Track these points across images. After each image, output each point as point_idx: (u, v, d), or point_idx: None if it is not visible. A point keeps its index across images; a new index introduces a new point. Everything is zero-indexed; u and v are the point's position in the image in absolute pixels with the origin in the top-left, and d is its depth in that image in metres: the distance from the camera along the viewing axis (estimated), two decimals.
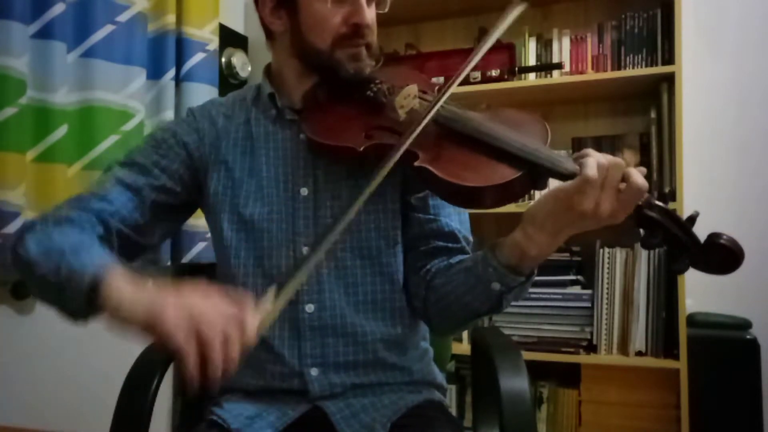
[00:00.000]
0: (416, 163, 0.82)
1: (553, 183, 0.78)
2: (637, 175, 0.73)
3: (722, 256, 0.73)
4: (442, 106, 0.88)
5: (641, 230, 0.77)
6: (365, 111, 0.93)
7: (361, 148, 0.86)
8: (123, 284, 0.70)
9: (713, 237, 0.73)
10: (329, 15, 0.91)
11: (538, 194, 2.08)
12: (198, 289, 0.65)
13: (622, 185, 0.73)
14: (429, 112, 0.83)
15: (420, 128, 0.82)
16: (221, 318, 0.62)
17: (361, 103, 0.94)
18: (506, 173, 0.78)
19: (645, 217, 0.75)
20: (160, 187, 0.95)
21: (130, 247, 0.94)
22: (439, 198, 0.93)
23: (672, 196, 1.82)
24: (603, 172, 0.72)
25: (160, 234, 0.99)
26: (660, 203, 0.75)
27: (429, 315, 0.95)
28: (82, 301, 0.71)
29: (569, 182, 0.74)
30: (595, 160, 0.73)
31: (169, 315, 0.62)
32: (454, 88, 0.86)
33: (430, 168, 0.81)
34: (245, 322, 0.63)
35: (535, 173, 0.79)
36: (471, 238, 0.99)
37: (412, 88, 0.90)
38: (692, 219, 0.74)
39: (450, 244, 0.95)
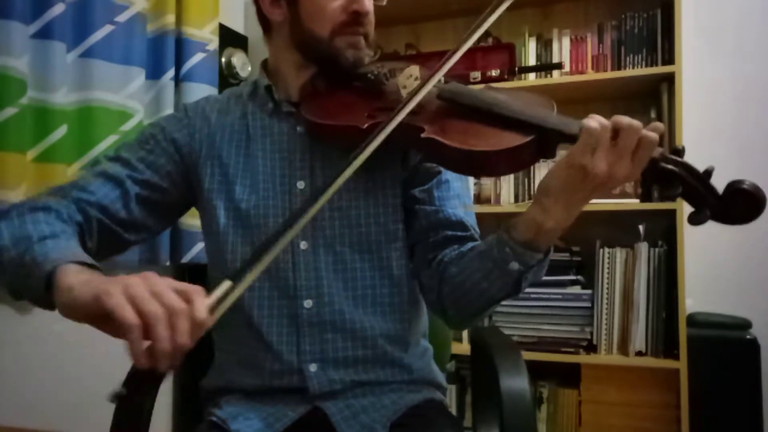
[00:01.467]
0: (423, 135, 0.81)
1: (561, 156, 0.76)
2: (647, 132, 0.71)
3: (744, 202, 0.71)
4: (444, 81, 0.88)
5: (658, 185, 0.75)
6: (366, 94, 0.93)
7: (365, 126, 0.85)
8: (76, 273, 0.70)
9: (734, 183, 0.71)
10: (329, 2, 0.91)
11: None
12: (146, 275, 0.64)
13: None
14: (429, 78, 0.82)
15: (424, 92, 0.80)
16: (168, 295, 0.61)
17: (362, 87, 0.94)
18: (516, 139, 0.77)
19: (661, 171, 0.73)
20: (144, 181, 0.94)
21: (113, 239, 0.93)
22: (449, 169, 0.92)
23: None
24: (608, 131, 0.71)
25: (146, 229, 0.97)
26: (674, 156, 0.73)
27: (445, 306, 0.93)
28: (41, 289, 0.71)
29: (576, 144, 0.73)
30: (594, 118, 0.72)
31: (114, 292, 0.61)
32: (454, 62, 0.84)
33: (438, 138, 0.80)
34: (193, 298, 0.62)
35: (544, 138, 0.78)
36: (478, 230, 0.97)
37: (414, 69, 0.90)
38: (708, 172, 0.73)
39: (459, 233, 0.93)
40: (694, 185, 0.72)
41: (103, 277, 0.67)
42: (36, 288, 0.72)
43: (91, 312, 0.64)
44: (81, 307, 0.65)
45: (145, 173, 0.94)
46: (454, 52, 0.83)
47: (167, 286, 0.62)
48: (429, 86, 0.82)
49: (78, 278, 0.68)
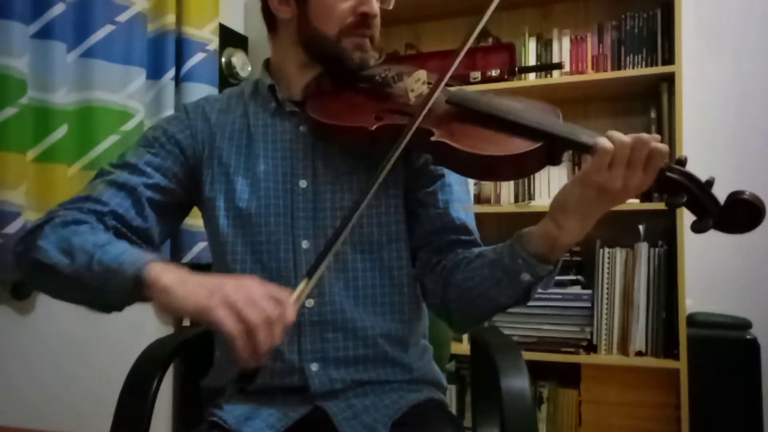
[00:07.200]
0: (433, 138, 0.82)
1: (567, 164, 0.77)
2: (658, 143, 0.73)
3: (745, 211, 0.73)
4: (455, 88, 0.89)
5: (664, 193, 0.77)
6: (373, 96, 0.94)
7: (374, 128, 0.85)
8: (166, 276, 0.74)
9: (735, 193, 0.73)
10: (338, 3, 0.92)
11: (544, 188, 2.08)
12: (237, 279, 0.72)
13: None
14: (442, 79, 0.83)
15: (435, 96, 0.82)
16: (263, 302, 0.69)
17: (369, 89, 0.95)
18: (524, 145, 0.79)
19: (667, 180, 0.75)
20: (154, 185, 0.94)
21: None
22: (456, 172, 0.93)
23: None
24: (622, 148, 0.72)
25: (159, 234, 0.98)
26: (678, 166, 0.75)
27: (449, 311, 0.94)
28: (123, 294, 0.76)
29: (590, 163, 0.74)
30: (605, 137, 0.74)
31: (215, 306, 0.68)
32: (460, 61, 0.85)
33: (448, 141, 0.81)
34: (283, 303, 0.70)
35: (552, 145, 0.79)
36: (478, 233, 0.98)
37: (422, 73, 0.90)
38: (710, 183, 0.75)
39: (463, 237, 0.95)
40: (698, 195, 0.74)
41: (194, 276, 0.74)
42: (117, 293, 0.76)
43: (195, 317, 0.71)
44: (183, 311, 0.72)
45: (154, 177, 0.94)
46: (460, 50, 0.84)
47: (261, 293, 0.70)
48: (442, 86, 0.83)
49: (169, 278, 0.74)
